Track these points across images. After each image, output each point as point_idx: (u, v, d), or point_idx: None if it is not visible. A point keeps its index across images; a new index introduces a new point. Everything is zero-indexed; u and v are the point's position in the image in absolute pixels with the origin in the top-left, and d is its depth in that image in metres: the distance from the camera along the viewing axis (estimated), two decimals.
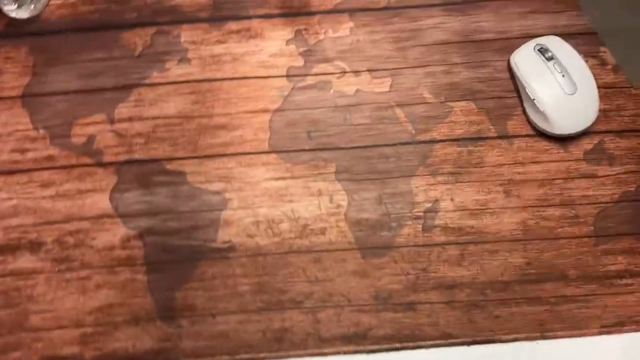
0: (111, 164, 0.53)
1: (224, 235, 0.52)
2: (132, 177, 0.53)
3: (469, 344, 0.51)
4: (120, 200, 0.52)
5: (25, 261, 0.52)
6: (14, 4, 0.52)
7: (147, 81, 0.54)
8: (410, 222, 0.52)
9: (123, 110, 0.53)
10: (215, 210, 0.52)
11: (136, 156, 0.53)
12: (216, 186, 0.53)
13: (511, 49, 0.53)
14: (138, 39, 0.54)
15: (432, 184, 0.53)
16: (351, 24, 0.54)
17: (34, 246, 0.52)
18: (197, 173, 0.53)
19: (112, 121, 0.53)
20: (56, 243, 0.52)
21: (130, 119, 0.53)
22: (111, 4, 0.54)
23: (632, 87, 0.54)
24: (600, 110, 0.53)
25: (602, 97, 0.53)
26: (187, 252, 0.52)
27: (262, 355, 0.51)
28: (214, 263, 0.52)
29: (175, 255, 0.52)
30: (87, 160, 0.53)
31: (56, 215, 0.52)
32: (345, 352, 0.51)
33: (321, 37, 0.54)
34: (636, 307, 0.51)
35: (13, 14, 0.53)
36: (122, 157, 0.53)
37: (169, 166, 0.53)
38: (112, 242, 0.52)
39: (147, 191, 0.52)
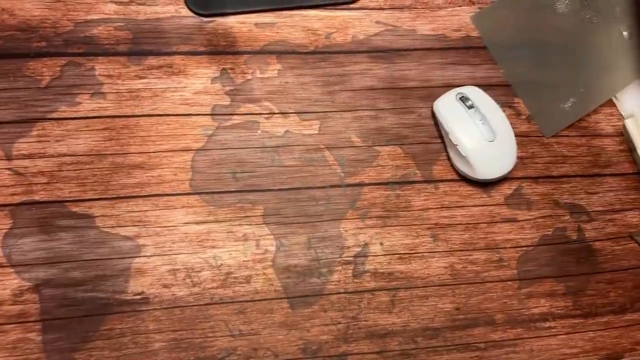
0: (5, 205, 0.43)
1: (136, 286, 0.44)
2: (30, 221, 0.43)
3: None
4: (14, 247, 0.43)
5: None
6: None
7: (54, 115, 0.46)
8: (340, 268, 0.47)
9: (23, 145, 0.45)
10: (127, 258, 0.44)
11: (36, 197, 0.44)
12: (129, 231, 0.45)
13: (434, 97, 0.51)
14: (46, 69, 0.46)
15: (361, 228, 0.48)
16: (279, 66, 0.50)
17: None
18: (108, 216, 0.44)
19: (9, 158, 0.44)
20: None
21: (30, 156, 0.44)
22: (16, 32, 0.46)
23: (544, 136, 0.53)
24: (517, 158, 0.51)
25: (519, 145, 0.52)
26: (92, 305, 0.43)
27: None
28: (123, 318, 0.43)
29: (77, 310, 0.43)
30: None
31: None
32: None
33: (249, 77, 0.49)
34: (560, 350, 0.49)
35: None
36: (19, 199, 0.44)
37: (75, 209, 0.44)
38: (2, 295, 0.42)
39: (47, 237, 0.43)
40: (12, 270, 0.42)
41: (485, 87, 0.52)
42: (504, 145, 0.51)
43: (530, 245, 0.51)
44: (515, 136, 0.52)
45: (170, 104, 0.47)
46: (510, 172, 0.51)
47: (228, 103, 0.48)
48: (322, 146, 0.49)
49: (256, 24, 0.50)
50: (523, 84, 0.54)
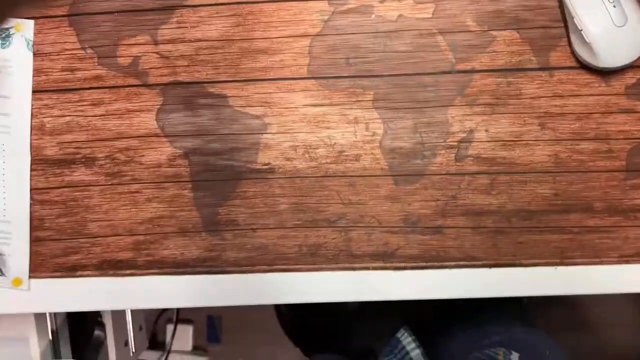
0: (156, 85, 0.48)
1: (264, 158, 0.48)
2: (177, 99, 0.48)
3: (490, 266, 0.48)
4: (166, 121, 0.48)
5: (80, 175, 0.49)
6: None
7: (189, 2, 0.47)
8: (443, 152, 0.47)
9: (166, 31, 0.47)
10: (256, 134, 0.48)
11: (180, 78, 0.47)
12: (257, 110, 0.47)
13: None
14: None
15: (468, 115, 0.46)
16: None
17: (88, 161, 0.49)
18: (239, 97, 0.47)
19: (156, 42, 0.47)
20: (108, 159, 0.49)
21: (173, 41, 0.47)
22: None
23: None
24: None
25: None
26: (230, 172, 0.48)
27: (297, 267, 0.48)
28: (254, 183, 0.48)
29: (218, 174, 0.48)
30: (134, 81, 0.48)
31: (107, 133, 0.48)
32: (373, 268, 0.48)
33: None
34: None
35: None
36: (167, 79, 0.48)
37: (212, 89, 0.47)
38: (160, 160, 0.48)
39: (191, 113, 0.48)
40: (165, 139, 0.48)
41: None
42: (635, 31, 0.44)
43: None
44: None
45: None
46: (637, 60, 0.45)
47: None
48: (435, 31, 0.46)
49: None
50: None
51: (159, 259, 0.49)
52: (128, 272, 0.49)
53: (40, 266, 0.49)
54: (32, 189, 0.49)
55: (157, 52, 0.47)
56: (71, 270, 0.50)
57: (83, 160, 0.49)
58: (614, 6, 0.43)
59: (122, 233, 0.49)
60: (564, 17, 0.45)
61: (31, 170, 0.49)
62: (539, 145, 0.46)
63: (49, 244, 0.49)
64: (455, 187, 0.47)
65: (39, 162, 0.49)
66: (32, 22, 0.47)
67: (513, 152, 0.47)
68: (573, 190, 0.47)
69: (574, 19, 0.44)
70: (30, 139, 0.48)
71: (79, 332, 0.70)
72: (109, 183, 0.49)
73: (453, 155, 0.47)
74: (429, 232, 0.48)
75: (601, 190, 0.47)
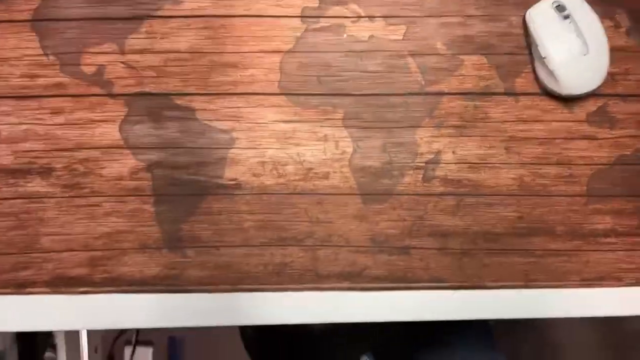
0: (121, 95, 0.45)
1: (230, 173, 0.46)
2: (143, 110, 0.46)
3: (456, 288, 0.47)
4: (130, 132, 0.46)
5: (36, 185, 0.46)
6: None
7: (160, 13, 0.45)
8: (411, 172, 0.46)
9: (134, 41, 0.45)
10: (223, 148, 0.46)
11: (147, 89, 0.45)
12: (225, 124, 0.46)
13: (529, 4, 0.45)
14: None
15: (436, 136, 0.46)
16: None
17: (45, 171, 0.46)
18: (207, 110, 0.46)
19: (123, 52, 0.45)
20: (66, 170, 0.46)
21: (142, 52, 0.45)
22: None
23: None
24: (608, 74, 0.45)
25: (612, 60, 0.45)
26: (195, 186, 0.46)
27: (262, 286, 0.46)
28: (220, 199, 0.46)
29: (182, 189, 0.46)
30: (98, 90, 0.45)
31: (66, 143, 0.46)
32: (340, 289, 0.46)
33: None
34: (616, 264, 0.47)
35: None
36: (133, 90, 0.45)
37: (179, 101, 0.45)
38: (121, 172, 0.46)
39: (157, 125, 0.45)
40: (129, 151, 0.45)
41: None
42: (596, 60, 0.45)
43: (605, 163, 0.46)
44: (610, 50, 0.45)
45: (263, 5, 0.45)
46: (597, 89, 0.46)
47: (317, 5, 0.45)
48: (406, 52, 0.46)
49: None
50: None
51: (116, 276, 0.46)
52: (82, 289, 0.46)
53: None
54: None
55: (123, 62, 0.45)
56: (20, 287, 0.46)
57: (39, 170, 0.45)
58: (577, 36, 0.44)
59: (77, 248, 0.46)
60: (529, 45, 0.46)
61: None
62: (504, 168, 0.46)
63: None
64: (423, 208, 0.46)
65: None
66: None
67: (479, 175, 0.46)
68: (537, 213, 0.47)
69: (538, 47, 0.45)
70: None
71: (29, 354, 0.65)
72: (66, 195, 0.46)
73: (421, 176, 0.46)
74: (396, 253, 0.46)
75: (563, 214, 0.47)
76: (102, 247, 0.46)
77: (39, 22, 0.45)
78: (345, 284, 0.47)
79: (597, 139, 0.46)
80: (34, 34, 0.45)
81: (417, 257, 0.46)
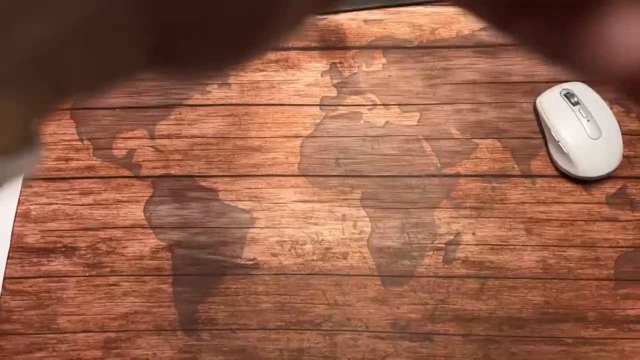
0: (148, 177, 0.47)
1: (249, 253, 0.45)
2: (167, 191, 0.46)
3: None
4: (153, 212, 0.46)
5: (58, 264, 0.46)
6: None
7: (189, 102, 0.48)
8: (431, 253, 0.45)
9: (163, 127, 0.47)
10: (243, 228, 0.46)
11: (172, 171, 0.47)
12: (246, 205, 0.46)
13: (538, 92, 0.47)
14: None
15: (454, 217, 0.45)
16: (384, 60, 0.48)
17: (69, 250, 0.46)
18: (229, 191, 0.46)
19: (152, 137, 0.47)
20: (89, 249, 0.46)
21: (169, 136, 0.47)
22: None
23: None
24: (624, 157, 0.45)
25: (626, 144, 0.45)
26: (213, 266, 0.45)
27: None
28: (237, 279, 0.45)
29: (201, 269, 0.45)
30: (126, 172, 0.47)
31: (92, 223, 0.46)
32: None
33: (355, 70, 0.48)
34: None
35: None
36: (159, 172, 0.47)
37: (203, 183, 0.46)
38: (143, 251, 0.45)
39: (180, 205, 0.46)
40: (151, 231, 0.45)
41: (594, 82, 0.46)
42: (610, 143, 0.45)
43: (631, 246, 0.45)
44: (623, 134, 0.45)
45: (285, 95, 0.47)
46: (614, 171, 0.45)
47: (335, 95, 0.47)
48: (421, 137, 0.47)
49: (365, 21, 0.49)
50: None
51: (129, 359, 0.44)
52: None
53: None
54: (6, 278, 0.45)
55: (152, 146, 0.47)
56: None
57: (63, 249, 0.46)
58: (588, 120, 0.45)
59: (93, 329, 0.44)
60: (541, 129, 0.47)
61: (8, 258, 0.45)
62: (527, 250, 0.45)
63: (13, 338, 0.44)
64: (444, 291, 0.44)
65: (17, 249, 0.46)
66: None
67: (501, 257, 0.45)
68: (564, 298, 0.44)
69: (551, 131, 0.45)
70: (13, 226, 0.46)
71: None
72: (87, 274, 0.45)
73: (441, 257, 0.45)
74: (418, 339, 0.44)
75: (592, 299, 0.44)
76: (118, 328, 0.44)
77: (77, 110, 0.48)
78: None
79: (619, 221, 0.45)
80: (72, 120, 0.48)
81: (441, 344, 0.43)
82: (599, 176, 0.45)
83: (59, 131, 0.47)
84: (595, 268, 0.44)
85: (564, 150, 0.44)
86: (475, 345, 0.43)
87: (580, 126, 0.45)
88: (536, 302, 0.44)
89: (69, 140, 0.47)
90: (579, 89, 0.46)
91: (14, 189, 0.46)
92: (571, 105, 0.45)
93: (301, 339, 0.44)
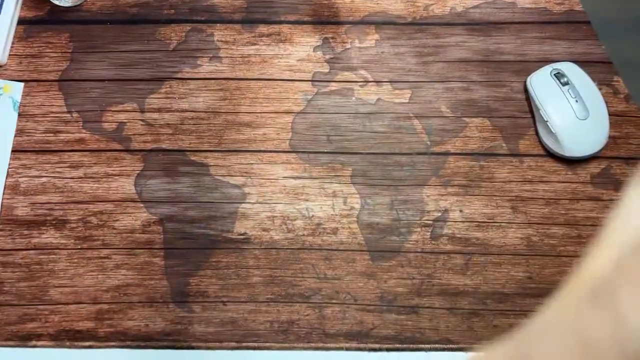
0: (139, 151, 0.45)
1: (240, 227, 0.45)
2: (158, 165, 0.45)
3: (466, 350, 0.43)
4: (144, 186, 0.45)
5: (49, 237, 0.44)
6: None
7: (179, 75, 0.46)
8: (419, 229, 0.45)
9: (154, 100, 0.46)
10: (234, 203, 0.45)
11: (163, 145, 0.45)
12: (237, 180, 0.45)
13: (528, 72, 0.46)
14: (174, 34, 0.46)
15: (442, 195, 0.45)
16: (377, 36, 0.46)
17: (59, 223, 0.45)
18: (220, 166, 0.45)
19: (142, 110, 0.46)
20: (80, 222, 0.45)
21: (159, 110, 0.46)
22: (150, 0, 0.46)
23: None
24: (609, 137, 0.45)
25: (612, 125, 0.45)
26: (204, 240, 0.45)
27: (267, 345, 0.43)
28: (228, 253, 0.44)
29: (192, 243, 0.45)
30: (116, 145, 0.45)
31: (82, 196, 0.45)
32: (347, 349, 0.43)
33: (347, 46, 0.46)
34: None
35: (56, 2, 0.45)
36: (150, 146, 0.45)
37: (194, 157, 0.45)
38: (134, 225, 0.45)
39: (171, 180, 0.45)
40: (142, 205, 0.44)
41: (583, 63, 0.46)
42: (596, 124, 0.45)
43: None
44: (610, 115, 0.45)
45: (276, 70, 0.46)
46: (600, 151, 0.45)
47: (327, 70, 0.46)
48: (412, 115, 0.46)
49: None
50: (626, 63, 0.46)
51: (122, 330, 0.44)
52: (87, 343, 0.43)
53: None
54: None
55: (142, 120, 0.46)
56: (25, 340, 0.43)
57: (54, 222, 0.45)
58: (576, 101, 0.44)
59: (85, 301, 0.44)
60: (531, 109, 0.46)
61: None
62: (512, 227, 0.45)
63: (5, 309, 0.44)
64: (431, 266, 0.44)
65: (7, 222, 0.44)
66: (22, 84, 0.45)
67: (487, 234, 0.45)
68: (546, 273, 0.44)
69: (540, 111, 0.45)
70: (2, 199, 0.44)
71: None
72: (78, 247, 0.44)
73: (429, 233, 0.45)
74: (405, 312, 0.44)
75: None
76: (110, 300, 0.44)
77: (65, 82, 0.46)
78: (353, 344, 0.44)
79: (602, 200, 0.45)
80: (61, 93, 0.46)
81: (426, 316, 0.44)
82: (585, 156, 0.45)
83: (46, 103, 0.45)
84: (578, 245, 0.44)
85: (552, 130, 0.44)
86: (460, 318, 0.44)
87: (569, 106, 0.44)
88: (519, 277, 0.44)
89: (57, 113, 0.45)
90: (569, 68, 0.45)
91: (2, 161, 0.45)
92: (560, 85, 0.44)
93: (291, 311, 0.44)
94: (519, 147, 0.45)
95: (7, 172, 0.45)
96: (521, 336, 0.16)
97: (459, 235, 0.45)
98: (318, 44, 0.46)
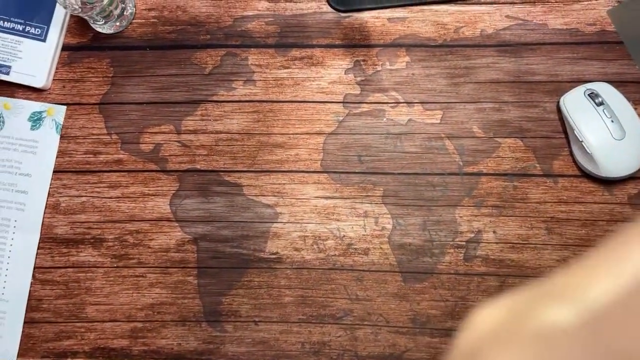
0: (174, 171, 0.46)
1: (272, 247, 0.44)
2: (193, 185, 0.46)
3: None
4: (179, 206, 0.45)
5: (87, 255, 0.45)
6: (102, 20, 0.45)
7: (214, 98, 0.47)
8: (452, 250, 0.44)
9: (189, 122, 0.46)
10: (266, 222, 0.45)
11: (198, 166, 0.46)
12: (269, 200, 0.45)
13: (561, 92, 0.45)
14: (209, 58, 0.47)
15: (476, 215, 0.44)
16: (407, 58, 0.46)
17: (97, 242, 0.45)
18: (253, 186, 0.45)
19: (178, 132, 0.46)
20: (117, 241, 0.45)
21: (195, 132, 0.46)
22: (187, 26, 0.47)
23: None
24: None
25: None
26: (237, 260, 0.44)
27: None
28: (260, 272, 0.44)
29: (225, 262, 0.44)
30: (153, 166, 0.46)
31: (119, 215, 0.45)
32: None
33: (378, 68, 0.46)
34: None
35: (99, 29, 0.47)
36: (185, 166, 0.46)
37: (227, 177, 0.45)
38: (168, 244, 0.45)
39: (205, 199, 0.45)
40: (177, 224, 0.44)
41: (618, 83, 0.44)
42: (633, 144, 0.43)
43: None
44: None
45: (308, 92, 0.46)
46: (637, 172, 0.43)
47: (358, 92, 0.46)
48: (443, 135, 0.45)
49: (389, 19, 0.47)
50: None
51: (155, 349, 0.43)
52: None
53: (29, 350, 0.44)
54: (36, 268, 0.45)
55: (178, 141, 0.46)
56: (61, 357, 0.44)
57: (92, 240, 0.45)
58: (612, 121, 0.43)
59: (120, 319, 0.44)
60: (564, 129, 0.45)
61: (38, 248, 0.45)
62: (547, 249, 0.43)
63: (42, 326, 0.44)
64: (465, 288, 0.43)
65: (47, 240, 0.45)
66: (64, 107, 0.47)
67: (521, 255, 0.43)
68: None
69: (575, 131, 0.44)
70: (43, 217, 0.45)
71: None
72: (114, 265, 0.45)
73: (462, 254, 0.43)
74: (438, 335, 0.43)
75: None
76: (144, 318, 0.44)
77: (106, 105, 0.47)
78: None
79: None
80: (101, 115, 0.47)
81: None
82: (622, 176, 0.43)
83: (87, 125, 0.46)
84: None
85: (587, 150, 0.43)
86: None
87: (604, 126, 0.43)
88: None
89: (97, 135, 0.46)
90: (603, 89, 0.44)
91: (44, 181, 0.46)
92: (595, 105, 0.43)
93: (322, 332, 0.43)
94: (553, 168, 0.44)
95: (49, 191, 0.46)
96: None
97: (492, 257, 0.43)
98: (349, 66, 0.47)
